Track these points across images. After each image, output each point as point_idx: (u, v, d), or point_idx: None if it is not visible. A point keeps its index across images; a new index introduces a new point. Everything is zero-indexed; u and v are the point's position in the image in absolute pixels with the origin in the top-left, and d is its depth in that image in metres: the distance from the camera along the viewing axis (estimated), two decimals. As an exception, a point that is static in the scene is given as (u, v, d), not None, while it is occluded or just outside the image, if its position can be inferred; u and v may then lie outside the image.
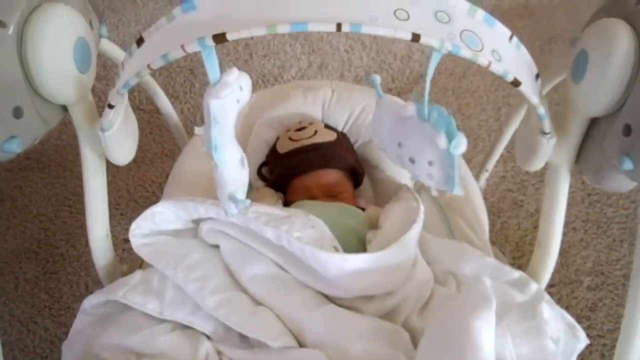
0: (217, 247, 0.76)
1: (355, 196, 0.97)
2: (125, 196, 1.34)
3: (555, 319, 0.62)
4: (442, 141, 0.53)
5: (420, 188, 0.97)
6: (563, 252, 1.25)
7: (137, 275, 0.72)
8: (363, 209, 0.91)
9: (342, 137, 0.98)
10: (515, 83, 0.53)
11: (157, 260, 0.71)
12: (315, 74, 1.67)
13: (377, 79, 0.66)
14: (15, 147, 0.57)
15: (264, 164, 0.99)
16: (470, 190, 0.92)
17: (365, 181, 1.01)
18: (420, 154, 0.58)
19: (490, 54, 0.51)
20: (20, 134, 0.58)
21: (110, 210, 0.75)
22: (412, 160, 0.60)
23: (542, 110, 0.58)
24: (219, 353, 0.65)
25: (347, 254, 0.66)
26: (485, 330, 0.52)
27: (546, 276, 0.74)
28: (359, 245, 0.78)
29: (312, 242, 0.67)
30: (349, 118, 1.02)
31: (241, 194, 0.61)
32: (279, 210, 0.74)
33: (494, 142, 1.13)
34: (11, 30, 0.54)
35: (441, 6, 0.51)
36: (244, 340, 0.66)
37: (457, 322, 0.54)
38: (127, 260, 0.87)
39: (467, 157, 1.42)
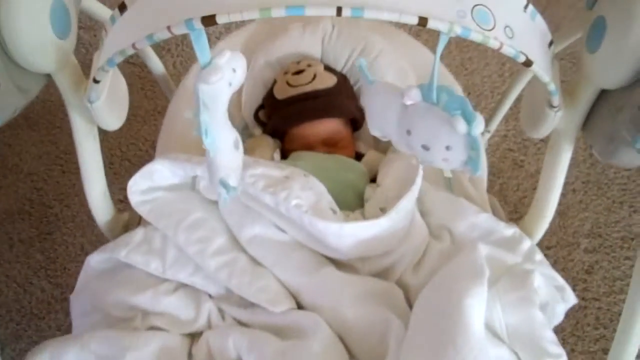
0: (215, 202, 0.75)
1: (354, 139, 0.95)
2: (118, 155, 1.31)
3: (545, 285, 0.63)
4: (461, 125, 0.50)
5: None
6: (561, 213, 1.25)
7: (139, 233, 0.72)
8: (362, 155, 0.90)
9: (342, 81, 0.93)
10: (527, 63, 0.49)
11: (158, 220, 0.71)
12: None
13: (364, 63, 0.62)
14: None
15: (261, 107, 0.96)
16: None
17: (365, 123, 0.98)
18: (435, 139, 0.55)
19: (502, 31, 0.47)
20: None
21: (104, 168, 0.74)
22: (425, 147, 0.56)
23: (552, 86, 0.54)
24: (220, 311, 0.68)
25: (344, 223, 0.66)
26: (476, 308, 0.53)
27: (539, 234, 0.75)
28: (357, 200, 0.78)
29: (310, 207, 0.67)
30: (350, 56, 0.96)
31: (234, 179, 0.59)
32: (276, 170, 0.73)
33: (498, 104, 1.09)
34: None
35: (454, -25, 0.46)
36: (245, 299, 0.67)
37: (448, 298, 0.56)
38: (127, 209, 0.86)
39: (469, 115, 1.39)
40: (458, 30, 0.44)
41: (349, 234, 0.67)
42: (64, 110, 1.41)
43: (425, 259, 0.71)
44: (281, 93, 0.91)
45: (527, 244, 0.70)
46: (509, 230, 0.71)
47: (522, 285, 0.60)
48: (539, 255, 0.69)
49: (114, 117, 0.66)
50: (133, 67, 1.47)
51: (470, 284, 0.56)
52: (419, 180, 0.73)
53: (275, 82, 0.94)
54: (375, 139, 0.97)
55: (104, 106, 0.62)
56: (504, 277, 0.61)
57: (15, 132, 1.36)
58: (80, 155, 0.70)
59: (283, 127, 0.90)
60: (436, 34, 0.45)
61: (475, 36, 0.45)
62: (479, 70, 1.50)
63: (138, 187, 0.73)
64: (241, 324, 0.67)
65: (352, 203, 0.78)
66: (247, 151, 0.83)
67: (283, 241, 0.71)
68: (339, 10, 0.42)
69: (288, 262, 0.69)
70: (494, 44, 0.46)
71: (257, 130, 0.94)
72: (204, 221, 0.72)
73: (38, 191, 1.26)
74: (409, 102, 0.56)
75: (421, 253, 0.71)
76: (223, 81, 0.50)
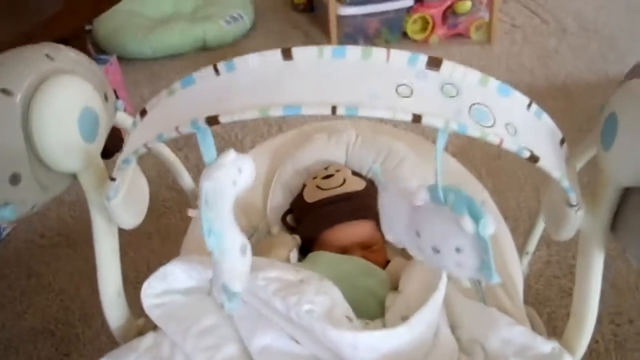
0: None
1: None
2: (144, 272, 1.31)
3: None
4: (468, 224, 0.48)
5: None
6: (618, 345, 1.11)
7: (149, 338, 0.69)
8: (389, 261, 0.87)
9: (370, 185, 0.94)
10: (533, 159, 0.48)
11: (167, 324, 0.68)
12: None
13: (378, 169, 0.62)
14: (8, 214, 0.56)
15: (289, 212, 0.96)
16: (504, 248, 0.85)
17: None
18: (444, 241, 0.53)
19: (503, 128, 0.47)
20: (15, 201, 0.58)
21: (129, 286, 0.73)
22: (435, 250, 0.54)
23: (566, 183, 0.52)
24: None
25: (359, 332, 0.61)
26: None
27: (581, 349, 0.68)
28: (377, 308, 0.73)
29: (323, 312, 0.63)
30: (374, 163, 0.98)
31: (237, 285, 0.57)
32: (291, 274, 0.70)
33: (534, 221, 1.05)
34: (17, 99, 0.55)
35: (449, 78, 0.47)
36: None
37: None
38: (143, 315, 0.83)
39: (507, 240, 1.34)
40: (454, 126, 0.43)
41: (365, 344, 0.61)
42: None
43: None
44: (312, 196, 0.91)
45: None
46: (547, 346, 0.65)
47: None
48: None
49: (131, 215, 0.67)
50: (174, 193, 1.54)
51: None
52: (442, 287, 0.68)
53: (304, 186, 0.95)
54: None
55: (122, 204, 0.64)
56: None
57: (55, 251, 1.41)
58: (97, 253, 0.70)
59: (316, 231, 0.89)
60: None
61: (473, 132, 0.44)
62: (513, 195, 1.48)
63: (152, 290, 0.71)
64: None
65: (373, 311, 0.73)
66: (264, 250, 0.84)
67: (296, 354, 0.66)
68: (334, 109, 0.43)
69: None
70: (493, 139, 0.45)
71: (275, 229, 0.94)
72: (214, 328, 0.68)
73: (65, 310, 1.26)
74: (418, 203, 0.54)
75: None
76: (227, 179, 0.51)
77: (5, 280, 1.35)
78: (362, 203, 0.88)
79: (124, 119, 0.85)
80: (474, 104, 0.46)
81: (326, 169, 0.96)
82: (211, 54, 2.22)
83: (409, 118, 0.43)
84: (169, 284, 0.72)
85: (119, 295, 0.74)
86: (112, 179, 0.59)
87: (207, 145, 0.51)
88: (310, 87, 0.46)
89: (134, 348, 0.67)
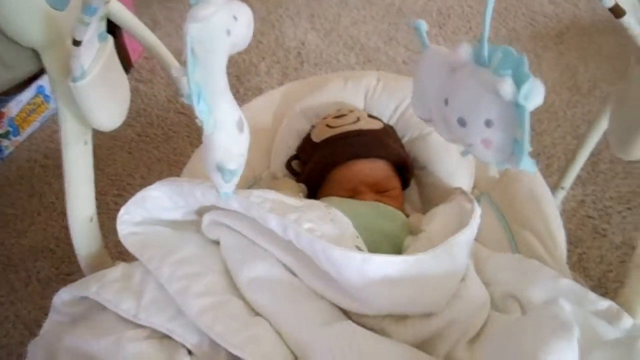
0: (217, 242, 0.63)
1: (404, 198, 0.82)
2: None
3: None
4: (507, 87, 0.38)
5: (480, 196, 0.79)
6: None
7: (119, 268, 0.60)
8: (407, 216, 0.76)
9: (388, 127, 0.83)
10: (617, 11, 0.37)
11: (142, 251, 0.59)
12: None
13: (423, 25, 0.50)
14: None
15: (294, 157, 0.86)
16: (541, 196, 0.73)
17: (412, 185, 0.85)
18: (474, 111, 0.42)
19: None
20: None
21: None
22: (461, 122, 0.44)
23: None
24: None
25: (371, 254, 0.52)
26: None
27: None
28: (394, 253, 0.61)
29: (329, 238, 0.53)
30: (396, 110, 0.87)
31: (234, 163, 0.47)
32: (293, 200, 0.60)
33: (573, 154, 0.94)
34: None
35: None
36: (234, 359, 0.51)
37: (520, 354, 0.40)
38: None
39: (539, 178, 1.24)
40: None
41: (376, 270, 0.52)
42: (108, 152, 1.37)
43: (485, 334, 0.54)
44: (320, 135, 0.80)
45: (628, 321, 0.52)
46: (603, 303, 0.54)
47: (627, 356, 0.42)
48: None
49: (104, 110, 0.56)
50: (182, 117, 1.45)
51: (549, 339, 0.40)
52: (474, 224, 0.59)
53: (313, 127, 0.84)
54: (422, 202, 0.84)
55: (91, 90, 0.52)
56: (602, 346, 0.44)
57: (58, 171, 1.34)
58: (65, 163, 0.59)
59: (322, 170, 0.78)
60: None
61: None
62: (549, 131, 1.36)
63: (130, 216, 0.62)
64: None
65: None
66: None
67: (291, 284, 0.57)
68: None
69: (294, 310, 0.54)
70: None
71: (280, 174, 0.84)
72: (197, 258, 0.59)
73: (66, 230, 1.20)
74: (458, 59, 0.44)
75: (479, 322, 0.55)
76: (219, 23, 0.41)
77: (7, 199, 1.30)
78: (376, 139, 0.77)
79: (119, 12, 0.74)
80: None
81: (339, 110, 0.85)
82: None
83: None
84: (149, 211, 0.62)
85: (91, 221, 0.64)
86: (76, 43, 0.47)
87: None
88: None
89: (100, 277, 0.58)
